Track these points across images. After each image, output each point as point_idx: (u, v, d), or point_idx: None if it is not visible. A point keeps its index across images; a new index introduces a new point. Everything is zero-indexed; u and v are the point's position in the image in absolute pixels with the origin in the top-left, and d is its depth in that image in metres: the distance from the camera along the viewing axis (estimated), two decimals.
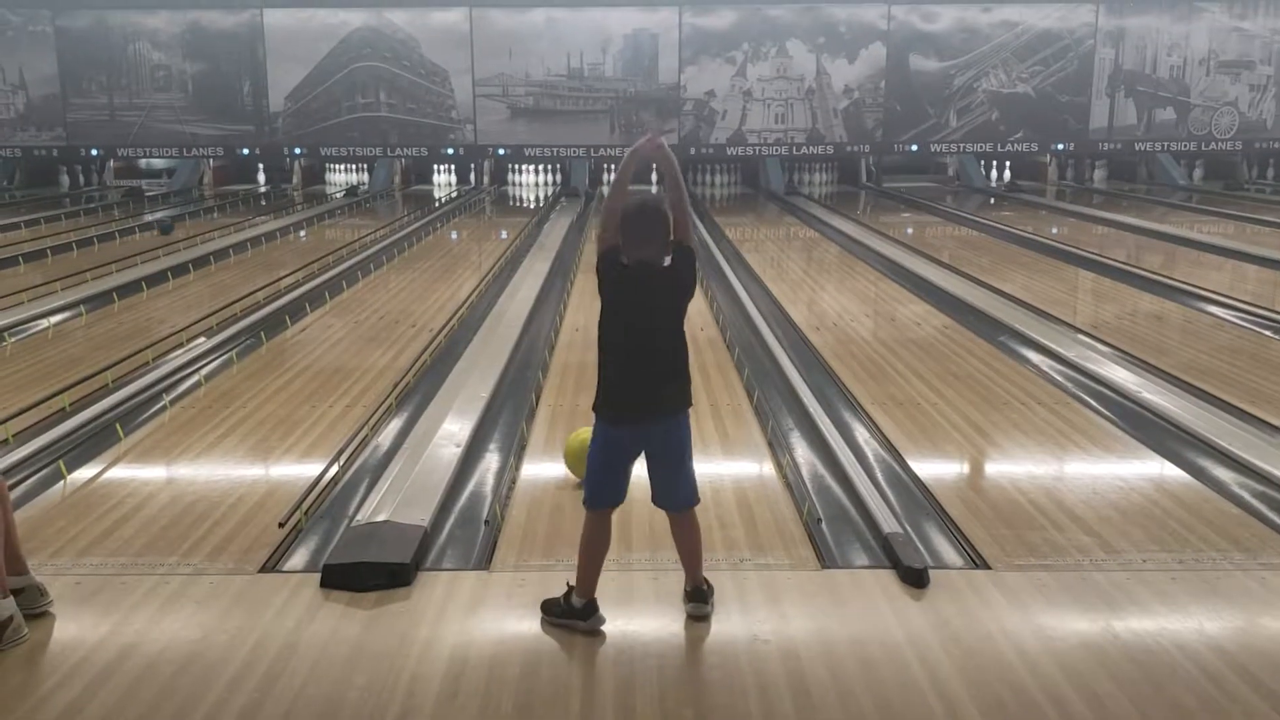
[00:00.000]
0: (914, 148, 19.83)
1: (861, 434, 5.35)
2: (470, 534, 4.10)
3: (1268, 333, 7.63)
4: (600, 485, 3.29)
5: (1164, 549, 3.87)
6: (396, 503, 4.17)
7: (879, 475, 4.70)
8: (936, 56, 19.38)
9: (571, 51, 19.09)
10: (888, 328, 7.95)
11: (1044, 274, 10.41)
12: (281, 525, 4.01)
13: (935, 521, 4.18)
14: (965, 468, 4.98)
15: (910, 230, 14.54)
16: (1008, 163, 20.76)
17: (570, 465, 4.64)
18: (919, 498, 4.46)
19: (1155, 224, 14.02)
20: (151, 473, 4.85)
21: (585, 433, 4.87)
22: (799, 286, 9.87)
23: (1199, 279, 9.67)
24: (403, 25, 18.95)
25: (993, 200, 18.25)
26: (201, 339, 7.42)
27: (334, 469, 4.72)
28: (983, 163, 20.43)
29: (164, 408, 5.79)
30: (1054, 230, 14.06)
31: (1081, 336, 7.40)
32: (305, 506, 4.24)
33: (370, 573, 3.55)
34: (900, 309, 8.64)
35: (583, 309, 8.54)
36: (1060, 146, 19.95)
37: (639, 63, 19.22)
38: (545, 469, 4.85)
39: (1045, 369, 6.64)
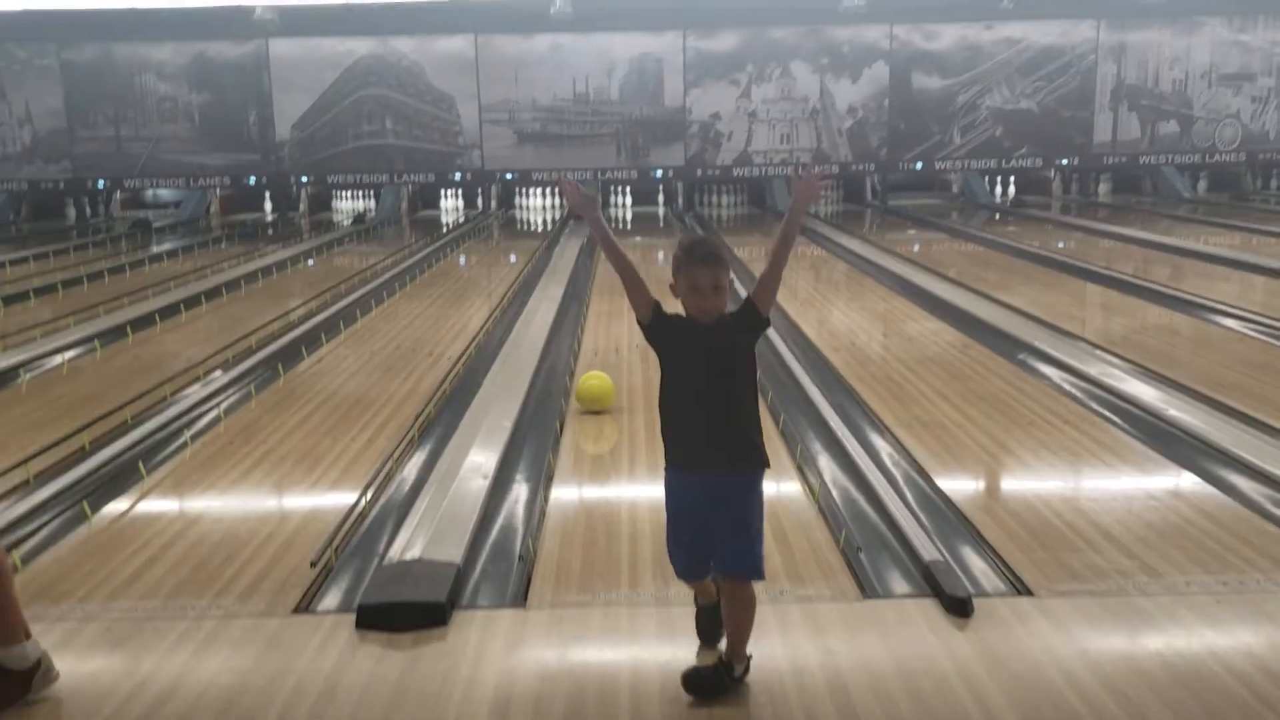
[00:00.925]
0: (919, 165, 19.84)
1: (891, 456, 5.30)
2: (503, 569, 4.06)
3: None
4: None
5: (1206, 571, 3.82)
6: (427, 539, 4.13)
7: (911, 499, 4.65)
8: (939, 74, 19.43)
9: (577, 76, 19.16)
10: (905, 346, 7.91)
11: (1055, 288, 10.38)
12: (313, 565, 3.97)
13: (973, 546, 4.13)
14: (997, 490, 4.94)
15: (918, 247, 14.54)
16: (1012, 178, 20.77)
17: (582, 400, 6.15)
18: (954, 522, 4.42)
19: (1162, 236, 14.00)
20: (177, 511, 4.81)
21: (595, 376, 6.24)
22: (811, 305, 9.83)
23: (1209, 290, 9.64)
24: (408, 52, 19.04)
25: (998, 216, 18.25)
26: (218, 372, 7.40)
27: (361, 504, 4.69)
28: (987, 178, 20.44)
29: (185, 444, 5.76)
30: (1060, 244, 14.05)
31: (1100, 352, 7.35)
32: (335, 544, 4.20)
33: (405, 613, 3.51)
34: (915, 326, 8.61)
35: (600, 333, 8.52)
36: (1065, 161, 19.97)
37: (644, 86, 19.28)
38: (575, 499, 4.81)
39: (1067, 386, 6.60)
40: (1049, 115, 19.60)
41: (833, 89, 19.45)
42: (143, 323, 9.28)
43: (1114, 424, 5.79)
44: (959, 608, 3.47)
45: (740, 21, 18.96)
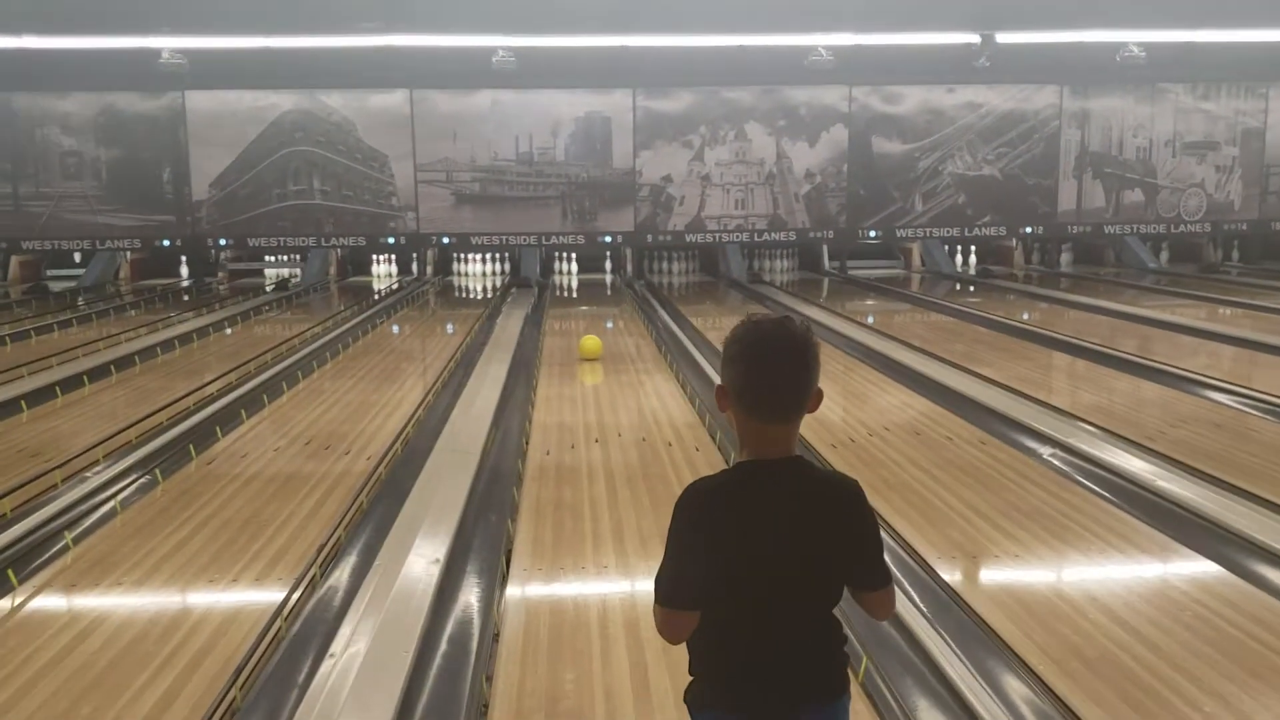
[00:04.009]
0: (873, 234, 18.90)
1: (944, 604, 4.08)
2: None
3: None
4: None
5: None
6: None
7: (970, 665, 3.44)
8: (900, 139, 18.60)
9: (520, 135, 17.99)
10: (912, 443, 6.71)
11: (1072, 373, 9.33)
12: None
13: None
14: (1082, 647, 3.71)
15: (878, 318, 13.49)
16: (973, 247, 19.96)
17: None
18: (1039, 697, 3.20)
19: (1146, 310, 13.11)
20: None
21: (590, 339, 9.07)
22: None
23: (1245, 376, 8.65)
24: (338, 108, 17.75)
25: (958, 286, 17.35)
26: (88, 475, 6.00)
27: (230, 696, 3.35)
28: (947, 247, 19.58)
29: (10, 590, 4.36)
30: (1026, 315, 13.10)
31: (1143, 449, 6.23)
32: None
33: None
34: (917, 417, 7.43)
35: (552, 423, 7.26)
36: (1029, 230, 19.19)
37: (591, 147, 18.17)
38: (526, 682, 3.50)
39: (1108, 494, 5.47)
40: (1013, 182, 18.83)
41: (790, 152, 18.52)
42: (5, 410, 7.82)
43: (1179, 539, 4.64)
44: None
45: (693, 80, 17.99)
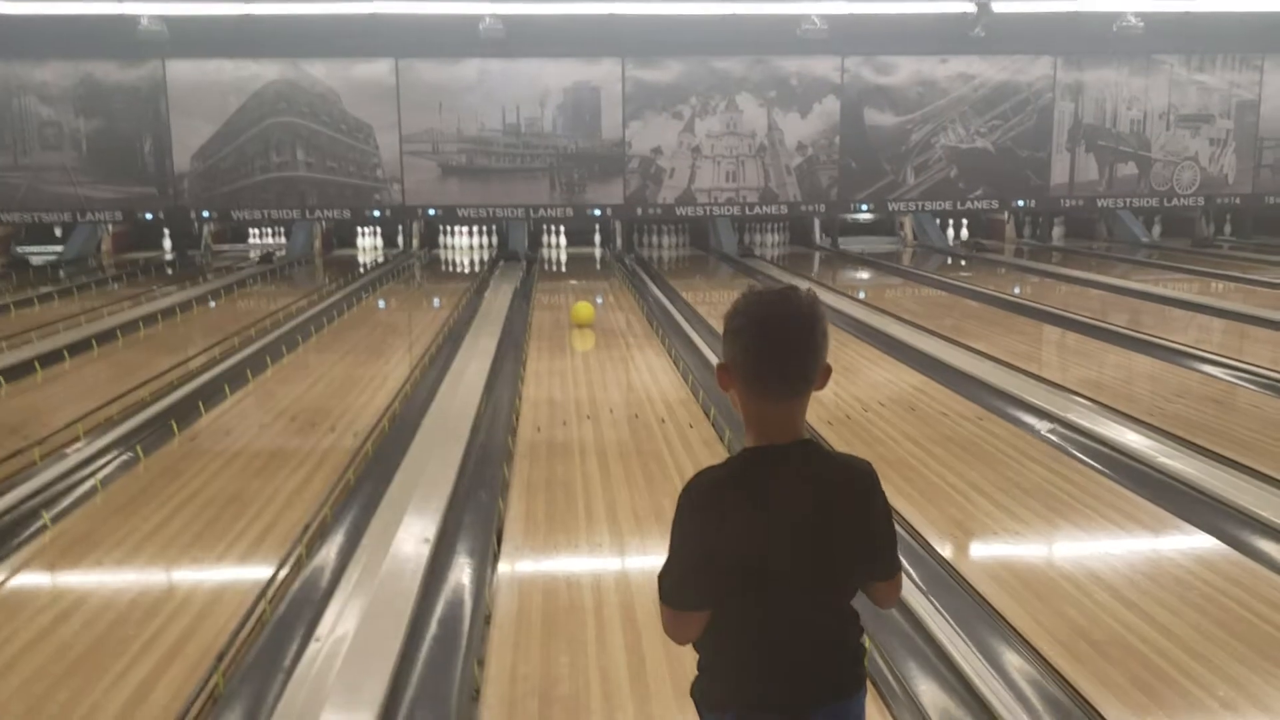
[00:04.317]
0: (864, 208, 18.75)
1: (946, 584, 3.98)
2: None
3: None
4: None
5: None
6: None
7: (974, 647, 3.35)
8: (892, 111, 18.42)
9: (507, 106, 17.75)
10: (908, 418, 6.62)
11: (1064, 347, 9.25)
12: None
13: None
14: (1089, 629, 3.63)
15: (872, 292, 13.39)
16: (964, 220, 19.83)
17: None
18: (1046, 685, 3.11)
19: (1138, 284, 13.04)
20: None
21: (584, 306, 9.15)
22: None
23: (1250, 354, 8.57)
24: (322, 78, 17.47)
25: (950, 260, 17.24)
26: (67, 452, 5.87)
27: (212, 681, 3.23)
28: (938, 220, 19.45)
29: None
30: (1021, 290, 13.02)
31: (1140, 424, 6.15)
32: None
33: None
34: (911, 392, 7.34)
35: (543, 398, 7.14)
36: (1022, 203, 19.07)
37: (580, 118, 17.95)
38: (519, 666, 3.40)
39: (1107, 469, 5.38)
40: (1006, 155, 18.70)
41: (781, 124, 18.32)
42: None
43: (1182, 517, 4.57)
44: None
45: (682, 50, 17.77)
